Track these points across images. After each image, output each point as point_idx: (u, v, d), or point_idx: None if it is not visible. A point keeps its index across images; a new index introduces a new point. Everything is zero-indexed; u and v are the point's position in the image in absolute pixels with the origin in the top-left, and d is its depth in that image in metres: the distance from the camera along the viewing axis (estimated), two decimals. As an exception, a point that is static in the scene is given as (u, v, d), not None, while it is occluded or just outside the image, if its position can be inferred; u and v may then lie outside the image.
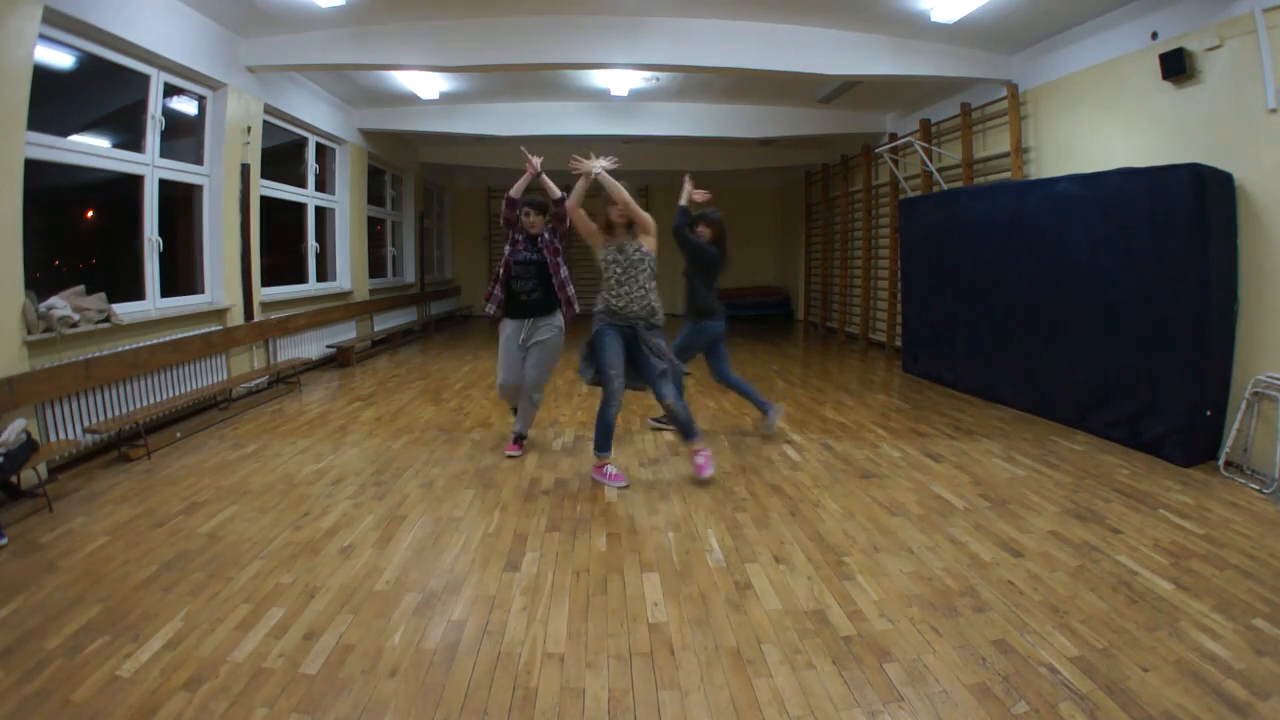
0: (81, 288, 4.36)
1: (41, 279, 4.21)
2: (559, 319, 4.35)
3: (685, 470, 4.12)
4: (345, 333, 8.52)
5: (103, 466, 4.23)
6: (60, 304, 4.10)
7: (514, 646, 2.29)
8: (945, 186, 7.37)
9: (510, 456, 4.38)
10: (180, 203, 5.76)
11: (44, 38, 4.00)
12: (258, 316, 6.37)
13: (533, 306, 4.28)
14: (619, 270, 3.81)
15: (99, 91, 5.00)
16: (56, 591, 2.63)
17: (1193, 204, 4.09)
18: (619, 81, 7.64)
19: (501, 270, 4.33)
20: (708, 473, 3.91)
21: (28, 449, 3.53)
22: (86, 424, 4.21)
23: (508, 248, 4.34)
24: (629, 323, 3.84)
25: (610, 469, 3.93)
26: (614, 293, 3.82)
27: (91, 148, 4.78)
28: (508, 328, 4.37)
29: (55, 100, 4.34)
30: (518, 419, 4.53)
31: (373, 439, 4.83)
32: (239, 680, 2.08)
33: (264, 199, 6.65)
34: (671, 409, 3.85)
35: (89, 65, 4.62)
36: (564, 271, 4.32)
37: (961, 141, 7.32)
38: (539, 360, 4.31)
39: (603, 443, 3.90)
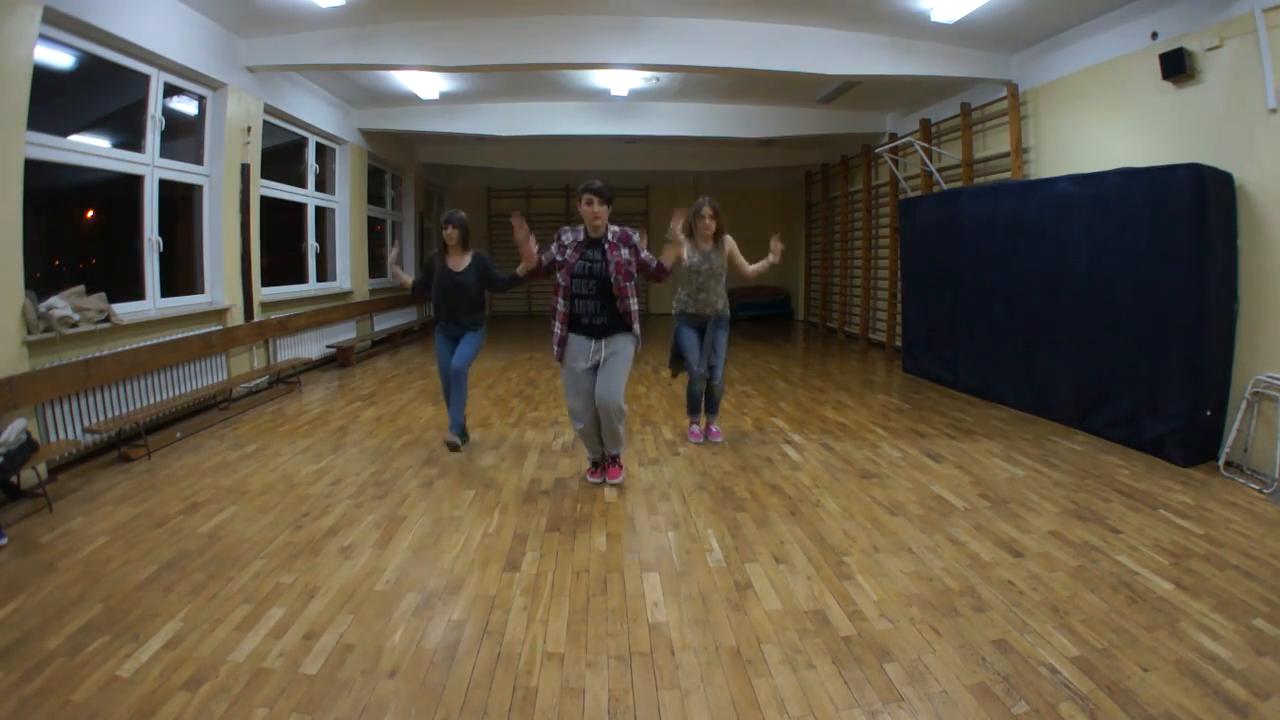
0: (81, 288, 4.35)
1: (41, 279, 4.21)
2: (634, 333, 3.70)
3: (686, 470, 4.13)
4: (345, 333, 8.52)
5: (103, 466, 4.23)
6: (60, 304, 4.10)
7: (514, 646, 2.29)
8: (945, 186, 7.36)
9: (594, 482, 3.89)
10: (180, 203, 5.76)
11: (44, 38, 4.00)
12: (258, 316, 6.37)
13: (598, 331, 3.62)
14: (701, 279, 4.46)
15: (99, 91, 5.00)
16: (56, 591, 2.63)
17: (1193, 204, 4.09)
18: (619, 81, 7.64)
19: (561, 300, 3.61)
20: (719, 438, 4.75)
21: (28, 449, 3.53)
22: (86, 424, 4.21)
23: (560, 276, 3.61)
24: (703, 320, 4.54)
25: (695, 428, 4.83)
26: (695, 297, 4.50)
27: (91, 148, 4.78)
28: (572, 346, 3.67)
29: (55, 100, 4.34)
30: (596, 445, 3.88)
31: (373, 439, 4.83)
32: (239, 680, 2.08)
33: (264, 199, 6.65)
34: (715, 386, 4.64)
35: (89, 65, 4.62)
36: (633, 304, 3.63)
37: (961, 141, 7.31)
38: (611, 371, 3.63)
39: (691, 408, 4.82)
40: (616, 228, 3.66)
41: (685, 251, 4.46)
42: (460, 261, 4.45)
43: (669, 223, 4.51)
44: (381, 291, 10.02)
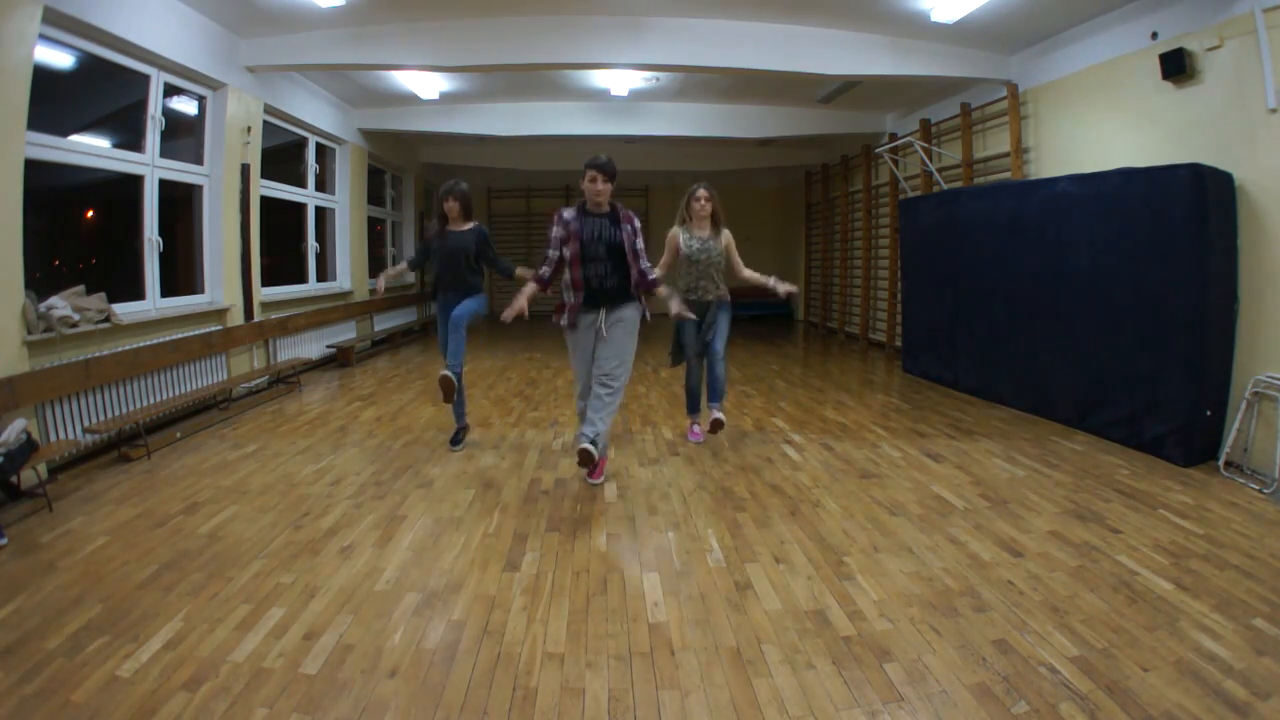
0: (81, 288, 4.35)
1: (41, 279, 4.21)
2: (639, 303, 3.70)
3: (686, 470, 4.13)
4: (345, 333, 8.52)
5: (103, 466, 4.23)
6: (60, 304, 4.10)
7: (514, 646, 2.29)
8: (945, 186, 7.37)
9: (593, 484, 3.84)
10: (180, 203, 5.76)
11: (44, 38, 3.99)
12: (258, 316, 6.37)
13: (608, 295, 3.61)
14: (700, 268, 4.43)
15: (99, 91, 5.00)
16: (56, 591, 2.63)
17: (1193, 204, 4.09)
18: (619, 81, 7.64)
19: (570, 269, 3.60)
20: (717, 415, 4.50)
21: (28, 449, 3.53)
22: (86, 424, 4.21)
23: (558, 229, 3.60)
24: (704, 307, 4.47)
25: (696, 428, 4.75)
26: (695, 286, 4.46)
27: (91, 148, 4.78)
28: (579, 321, 3.70)
29: (55, 100, 4.34)
30: (584, 425, 3.73)
31: (373, 439, 4.83)
32: (239, 680, 2.08)
33: (264, 199, 6.65)
34: (715, 363, 4.49)
35: (89, 65, 4.62)
36: (639, 269, 3.63)
37: (961, 141, 7.32)
38: (615, 341, 3.59)
39: (690, 406, 4.77)
40: (620, 206, 3.69)
41: (682, 240, 4.43)
42: (461, 228, 4.48)
43: (667, 229, 4.51)
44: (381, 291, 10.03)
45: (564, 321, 3.71)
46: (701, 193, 4.42)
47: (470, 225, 4.50)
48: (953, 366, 6.57)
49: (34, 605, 2.52)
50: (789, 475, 4.05)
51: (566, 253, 3.61)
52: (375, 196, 10.19)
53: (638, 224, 3.72)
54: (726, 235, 4.49)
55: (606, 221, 3.61)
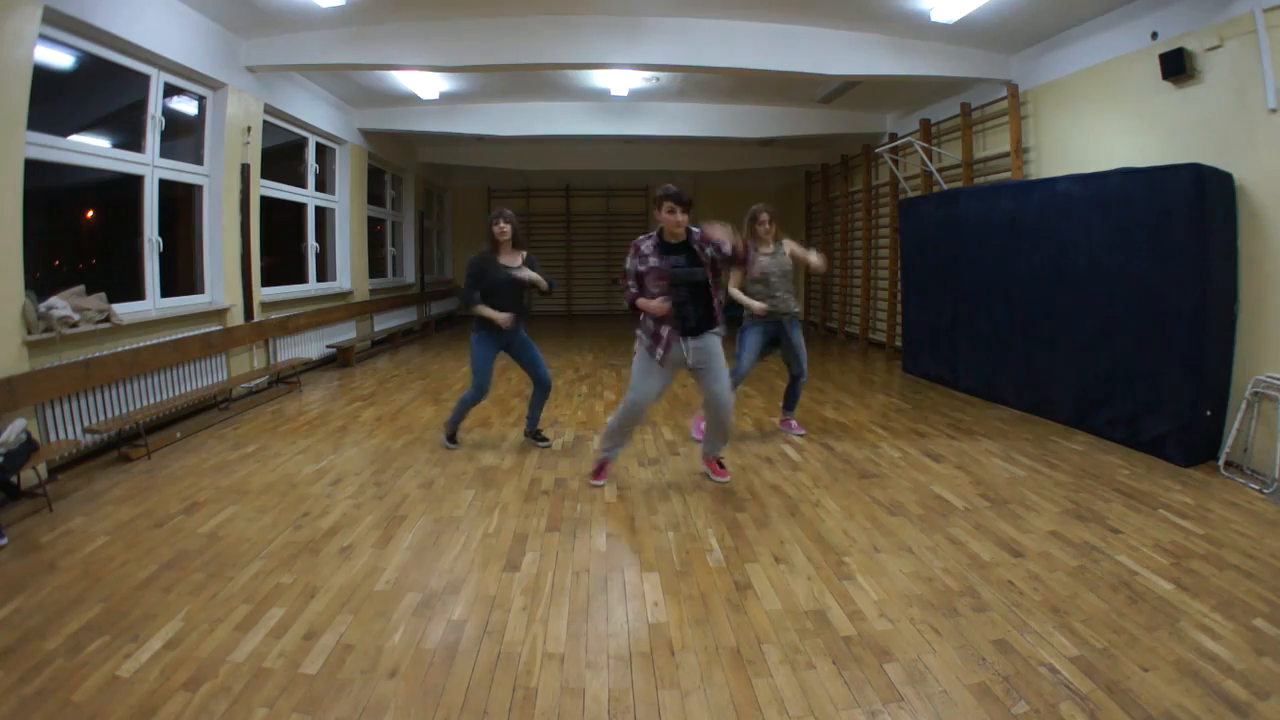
0: (81, 288, 4.36)
1: (41, 279, 4.21)
2: (719, 327, 3.66)
3: (686, 470, 4.13)
4: (345, 333, 8.51)
5: (103, 466, 4.23)
6: (60, 304, 4.10)
7: (514, 646, 2.29)
8: (945, 186, 7.37)
9: (594, 485, 3.85)
10: (180, 203, 5.76)
11: (44, 38, 4.00)
12: (258, 316, 6.37)
13: (691, 331, 3.56)
14: (775, 279, 4.51)
15: (99, 91, 5.00)
16: (56, 591, 2.63)
17: (1193, 204, 4.09)
18: (619, 81, 7.64)
19: (658, 302, 3.46)
20: (801, 432, 4.95)
21: (28, 449, 3.53)
22: (86, 424, 4.21)
23: (634, 262, 3.50)
24: (777, 319, 4.59)
25: (703, 424, 4.57)
26: (770, 298, 4.52)
27: (91, 148, 4.78)
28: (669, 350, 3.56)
29: (55, 100, 4.34)
30: (605, 443, 3.87)
31: (373, 439, 4.83)
32: (239, 680, 2.08)
33: (264, 199, 6.65)
34: (797, 382, 4.81)
35: (89, 65, 4.62)
36: (718, 299, 3.63)
37: (961, 141, 7.31)
38: (717, 373, 3.59)
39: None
40: (694, 229, 3.55)
41: (753, 260, 4.37)
42: (515, 258, 4.40)
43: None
44: (381, 291, 10.04)
45: (658, 353, 3.54)
46: (764, 216, 4.57)
47: (523, 256, 4.42)
48: (953, 366, 6.57)
49: (34, 605, 2.52)
50: (789, 475, 4.05)
51: (651, 288, 3.50)
52: (375, 196, 10.19)
53: (718, 234, 3.54)
54: (787, 242, 4.65)
55: (685, 259, 3.48)
